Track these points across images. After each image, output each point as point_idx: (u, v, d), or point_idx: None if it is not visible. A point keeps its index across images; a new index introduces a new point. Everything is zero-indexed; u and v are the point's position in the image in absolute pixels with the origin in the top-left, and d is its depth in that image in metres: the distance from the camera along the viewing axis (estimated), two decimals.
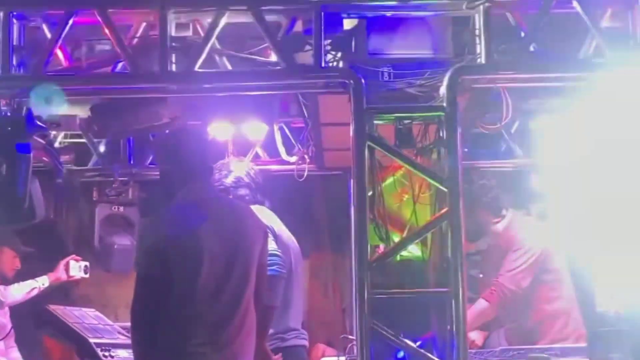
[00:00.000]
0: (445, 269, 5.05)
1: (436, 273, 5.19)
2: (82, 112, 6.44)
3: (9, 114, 5.41)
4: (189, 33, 5.59)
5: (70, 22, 5.33)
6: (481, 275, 6.58)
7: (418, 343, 5.04)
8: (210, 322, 4.50)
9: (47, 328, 6.23)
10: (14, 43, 5.40)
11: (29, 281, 6.85)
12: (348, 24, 5.37)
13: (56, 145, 6.90)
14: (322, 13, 5.24)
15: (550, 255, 6.21)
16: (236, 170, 5.63)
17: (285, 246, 5.50)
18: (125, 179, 7.17)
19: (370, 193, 5.13)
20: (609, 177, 5.44)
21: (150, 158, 7.27)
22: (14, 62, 5.40)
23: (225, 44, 5.58)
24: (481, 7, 5.19)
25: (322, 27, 5.24)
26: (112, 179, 7.16)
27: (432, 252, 5.29)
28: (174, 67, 5.40)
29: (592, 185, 5.62)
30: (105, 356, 5.94)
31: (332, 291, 8.44)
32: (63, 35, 5.36)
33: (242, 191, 5.58)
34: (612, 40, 5.26)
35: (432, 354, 5.00)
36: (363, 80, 5.14)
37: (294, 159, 6.94)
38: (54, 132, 6.59)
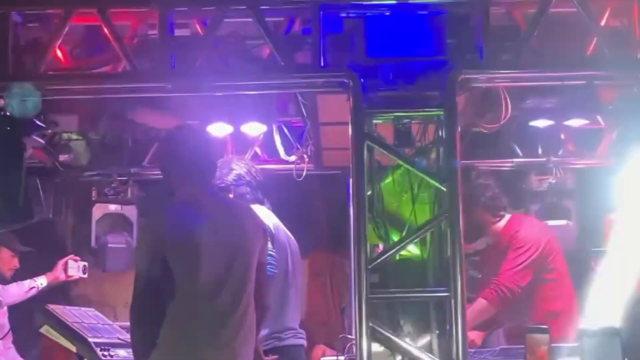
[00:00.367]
0: (445, 269, 5.05)
1: (435, 272, 5.19)
2: (80, 111, 6.44)
3: (7, 113, 5.41)
4: (189, 32, 5.58)
5: (69, 21, 5.33)
6: (480, 276, 6.58)
7: (417, 343, 5.04)
8: (209, 320, 4.50)
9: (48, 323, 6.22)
10: (13, 42, 5.40)
11: (28, 281, 6.85)
12: (347, 23, 5.37)
13: (55, 144, 6.90)
14: (321, 12, 5.24)
15: (550, 254, 6.21)
16: (237, 168, 5.63)
17: (281, 246, 5.50)
18: (124, 178, 7.17)
19: (369, 192, 5.13)
20: None
21: (149, 157, 7.27)
22: (13, 62, 5.40)
23: (225, 44, 5.58)
24: (481, 5, 5.19)
25: (321, 27, 5.24)
26: (111, 178, 7.16)
27: (431, 252, 5.29)
28: (173, 67, 5.40)
29: None
30: (104, 355, 5.93)
31: (331, 291, 8.41)
32: (62, 34, 5.36)
33: (243, 189, 5.58)
34: (612, 39, 5.26)
35: (431, 353, 5.00)
36: (362, 80, 5.14)
37: (292, 158, 6.94)
38: (52, 132, 6.58)
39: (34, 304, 6.77)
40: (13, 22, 5.41)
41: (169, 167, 4.82)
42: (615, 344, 4.93)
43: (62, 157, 6.90)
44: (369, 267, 4.99)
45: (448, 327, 4.99)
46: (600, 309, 5.42)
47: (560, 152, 7.31)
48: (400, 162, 5.23)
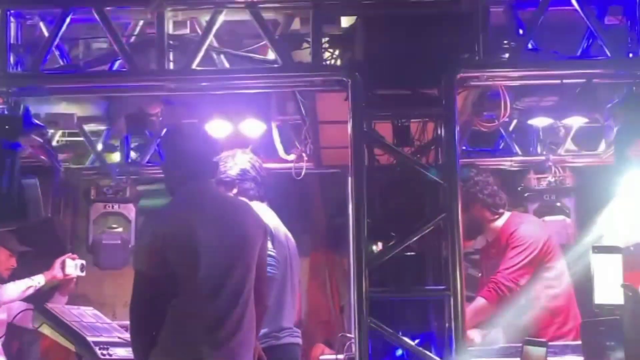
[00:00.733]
0: (443, 267, 5.05)
1: (434, 271, 5.19)
2: (79, 110, 6.43)
3: (6, 112, 5.41)
4: (187, 31, 5.58)
5: (68, 20, 5.33)
6: (479, 275, 6.57)
7: (416, 341, 5.04)
8: (208, 318, 4.50)
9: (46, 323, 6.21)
10: (11, 41, 5.40)
11: (25, 280, 6.83)
12: (346, 21, 5.37)
13: (54, 143, 6.89)
14: (320, 11, 5.23)
15: (550, 252, 6.20)
16: (242, 161, 5.61)
17: (281, 245, 5.50)
18: (123, 177, 7.16)
19: (368, 191, 5.12)
20: None
21: (148, 156, 7.27)
22: (11, 61, 5.40)
23: (223, 42, 5.58)
24: (479, 4, 5.19)
25: (320, 25, 5.23)
26: (109, 177, 7.15)
27: (430, 250, 5.29)
28: (171, 65, 5.40)
29: None
30: (103, 354, 5.93)
31: (331, 290, 8.42)
32: (60, 33, 5.36)
33: (248, 185, 5.57)
34: (610, 37, 5.26)
35: (430, 352, 5.00)
36: (361, 79, 5.13)
37: (291, 157, 6.93)
38: (51, 131, 6.58)
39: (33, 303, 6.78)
40: (10, 20, 5.40)
41: (168, 165, 4.82)
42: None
43: (61, 156, 6.89)
44: (368, 265, 4.99)
45: (447, 325, 4.99)
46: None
47: (559, 151, 7.31)
48: (399, 161, 5.23)
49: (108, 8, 5.34)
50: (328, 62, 5.32)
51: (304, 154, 6.83)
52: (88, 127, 7.01)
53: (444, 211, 5.05)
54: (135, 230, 7.03)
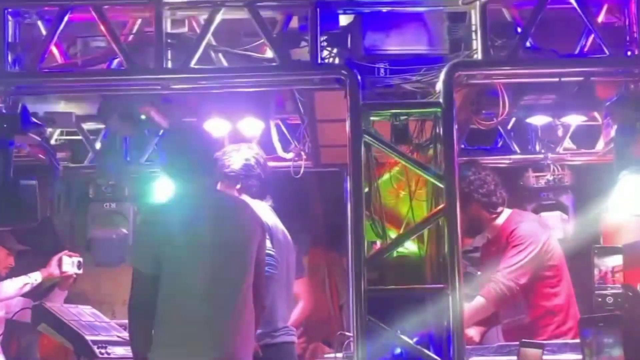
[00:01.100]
0: (442, 265, 5.05)
1: (433, 269, 5.19)
2: (77, 109, 6.43)
3: (4, 111, 5.40)
4: (185, 29, 5.57)
5: (66, 18, 5.33)
6: (479, 273, 6.57)
7: (415, 339, 5.04)
8: (207, 317, 4.50)
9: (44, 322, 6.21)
10: (9, 40, 5.39)
11: (22, 277, 6.84)
12: (344, 20, 5.36)
13: (52, 142, 6.89)
14: (318, 9, 5.23)
15: (550, 251, 6.19)
16: (247, 156, 5.59)
17: (280, 245, 5.49)
18: (122, 176, 7.15)
19: (366, 189, 5.12)
20: None
21: (147, 155, 7.27)
22: (9, 59, 5.39)
23: (221, 41, 5.57)
24: (477, 2, 5.19)
25: (318, 23, 5.23)
26: (108, 176, 7.15)
27: (429, 249, 5.29)
28: (169, 64, 5.39)
29: None
30: (102, 353, 5.93)
31: (330, 288, 8.42)
32: (58, 32, 5.35)
33: (252, 181, 5.55)
34: (609, 35, 5.26)
35: (429, 350, 5.00)
36: (359, 77, 5.13)
37: (290, 155, 6.92)
38: (49, 129, 6.58)
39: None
40: (8, 18, 5.40)
41: (167, 164, 4.82)
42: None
43: (60, 155, 6.89)
44: (367, 264, 4.98)
45: (445, 323, 4.99)
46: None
47: (557, 149, 7.31)
48: (398, 159, 5.22)
49: (106, 6, 5.34)
50: (326, 61, 5.31)
51: (302, 153, 6.83)
52: (86, 126, 7.01)
53: (442, 209, 5.05)
54: (133, 229, 7.03)
